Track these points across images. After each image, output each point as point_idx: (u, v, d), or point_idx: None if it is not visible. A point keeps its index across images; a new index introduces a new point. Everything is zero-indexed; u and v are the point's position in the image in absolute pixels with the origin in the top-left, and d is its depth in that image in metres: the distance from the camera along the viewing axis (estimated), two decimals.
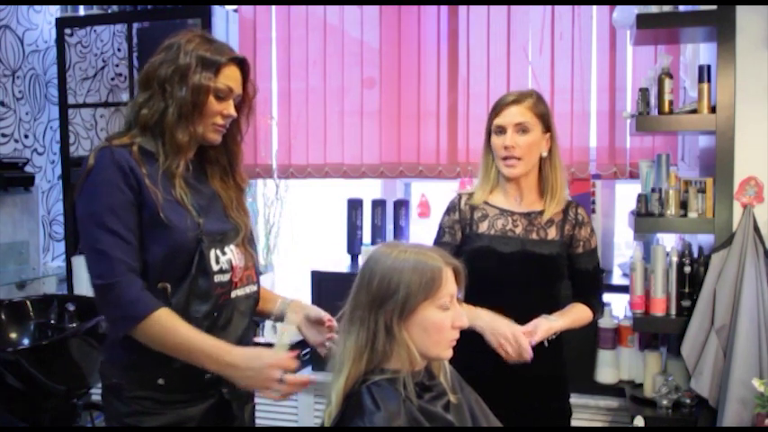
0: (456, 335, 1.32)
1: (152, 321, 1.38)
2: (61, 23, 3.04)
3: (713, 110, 2.16)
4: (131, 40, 3.08)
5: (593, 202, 2.75)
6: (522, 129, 1.78)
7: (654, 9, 2.17)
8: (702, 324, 2.13)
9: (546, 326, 1.74)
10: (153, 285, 1.43)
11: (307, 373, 2.77)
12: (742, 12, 2.13)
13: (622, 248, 3.03)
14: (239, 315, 1.54)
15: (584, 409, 2.47)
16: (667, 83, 2.19)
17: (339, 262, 3.06)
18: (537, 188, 1.87)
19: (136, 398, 1.47)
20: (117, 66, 3.38)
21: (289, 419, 2.85)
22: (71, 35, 3.14)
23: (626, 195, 2.75)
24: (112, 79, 3.36)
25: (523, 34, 2.85)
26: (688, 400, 2.22)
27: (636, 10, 2.19)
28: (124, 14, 3.08)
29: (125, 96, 3.21)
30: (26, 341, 2.53)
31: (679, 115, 2.20)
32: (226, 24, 3.13)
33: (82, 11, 3.13)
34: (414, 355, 1.28)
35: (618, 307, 2.57)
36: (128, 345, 1.47)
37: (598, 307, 1.94)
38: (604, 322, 2.50)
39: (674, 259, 2.21)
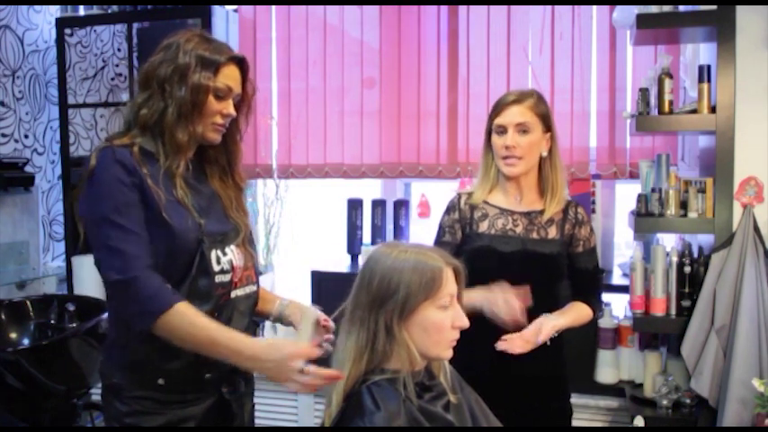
0: (456, 335, 1.32)
1: (172, 315, 1.38)
2: (61, 23, 3.04)
3: (713, 110, 2.16)
4: (131, 40, 3.07)
5: (593, 202, 2.75)
6: (523, 129, 1.78)
7: (654, 9, 2.17)
8: (702, 324, 2.13)
9: (550, 324, 1.74)
10: None
11: None
12: (742, 12, 2.13)
13: (622, 248, 3.03)
14: (239, 315, 1.54)
15: (584, 409, 2.47)
16: (667, 83, 2.19)
17: (339, 262, 3.06)
18: (537, 187, 1.87)
19: (136, 398, 1.47)
20: (117, 66, 3.37)
21: (289, 419, 2.85)
22: (71, 35, 3.14)
23: (626, 195, 2.75)
24: (112, 79, 3.36)
25: (523, 34, 2.85)
26: (688, 400, 2.22)
27: (636, 10, 2.19)
28: (124, 14, 3.08)
29: (125, 96, 3.21)
30: (26, 341, 2.53)
31: (679, 115, 2.20)
32: (226, 24, 3.13)
33: (82, 11, 3.13)
34: (414, 355, 1.28)
35: (618, 307, 2.57)
36: (128, 345, 1.47)
37: (598, 306, 1.95)
38: (604, 322, 2.50)
39: (674, 259, 2.21)
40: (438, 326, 1.29)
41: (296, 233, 3.22)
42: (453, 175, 2.95)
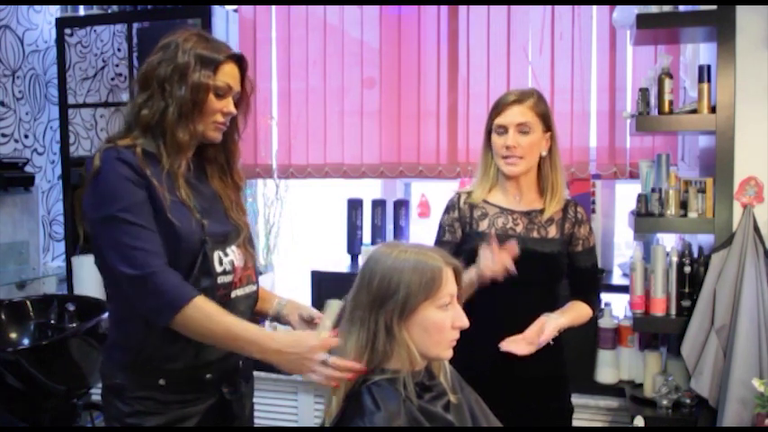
0: (456, 335, 1.32)
1: (191, 310, 1.38)
2: (61, 23, 3.04)
3: (713, 110, 2.16)
4: (131, 40, 3.07)
5: (593, 202, 2.75)
6: (523, 129, 1.78)
7: (654, 9, 2.17)
8: (702, 324, 2.13)
9: (553, 324, 1.74)
10: None
11: None
12: (742, 12, 2.13)
13: (622, 248, 3.03)
14: (239, 315, 1.53)
15: (584, 409, 2.47)
16: (667, 83, 2.19)
17: (339, 262, 3.06)
18: (536, 187, 1.87)
19: (137, 398, 1.47)
20: (117, 66, 3.38)
21: (289, 419, 2.85)
22: (71, 35, 3.14)
23: (626, 195, 2.75)
24: (112, 79, 3.36)
25: (523, 34, 2.85)
26: (688, 400, 2.22)
27: (636, 10, 2.19)
28: (124, 14, 3.08)
29: (125, 96, 3.21)
30: (26, 341, 2.53)
31: (679, 115, 2.20)
32: (226, 24, 3.13)
33: (82, 11, 3.13)
34: (414, 355, 1.28)
35: (618, 307, 2.57)
36: (129, 345, 1.47)
37: (597, 305, 1.95)
38: (604, 322, 2.51)
39: (674, 259, 2.21)
40: (438, 326, 1.29)
41: (296, 233, 3.22)
42: (453, 175, 2.95)
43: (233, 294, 1.53)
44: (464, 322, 1.32)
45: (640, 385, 2.41)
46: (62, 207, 3.12)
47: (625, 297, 2.41)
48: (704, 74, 2.16)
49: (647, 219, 2.21)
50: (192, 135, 1.48)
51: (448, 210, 1.90)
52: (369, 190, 3.22)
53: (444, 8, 2.94)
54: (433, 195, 3.20)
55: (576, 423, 2.01)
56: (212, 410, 1.53)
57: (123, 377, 1.48)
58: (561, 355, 1.88)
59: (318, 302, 1.71)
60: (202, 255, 1.46)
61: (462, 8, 2.91)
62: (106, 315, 2.28)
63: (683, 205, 2.19)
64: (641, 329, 2.36)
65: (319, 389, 2.77)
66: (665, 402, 2.22)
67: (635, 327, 2.32)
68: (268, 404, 2.84)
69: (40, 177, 3.02)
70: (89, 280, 2.93)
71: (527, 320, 1.74)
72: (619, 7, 2.46)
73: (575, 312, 1.85)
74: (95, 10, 3.10)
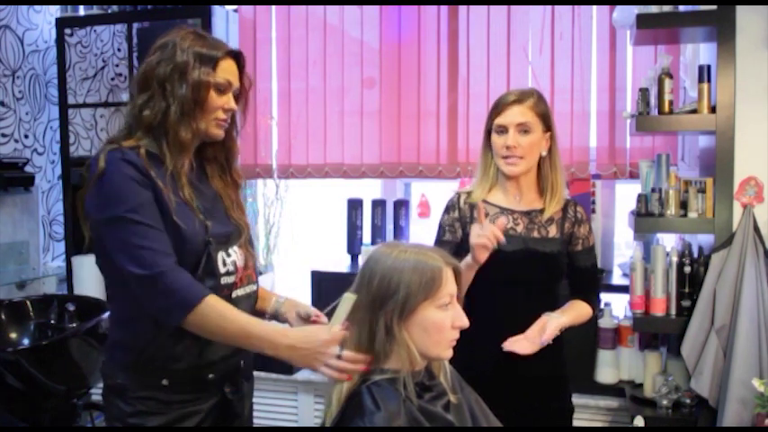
0: (456, 335, 1.32)
1: (203, 308, 1.38)
2: (61, 23, 3.04)
3: (713, 110, 2.16)
4: (131, 40, 3.07)
5: (593, 202, 2.75)
6: (524, 128, 1.78)
7: (654, 9, 2.17)
8: (702, 324, 2.13)
9: (554, 323, 1.74)
10: None
11: (306, 373, 2.78)
12: (742, 12, 2.13)
13: (622, 248, 3.03)
14: None
15: (584, 409, 2.47)
16: (667, 83, 2.19)
17: (339, 262, 3.06)
18: (536, 187, 1.87)
19: (139, 398, 1.47)
20: (117, 66, 3.38)
21: (289, 419, 2.85)
22: (71, 35, 3.14)
23: (626, 195, 2.75)
24: (112, 79, 3.36)
25: (523, 34, 2.85)
26: (688, 400, 2.22)
27: (636, 10, 2.19)
28: (124, 14, 3.08)
29: (125, 96, 3.21)
30: (26, 341, 2.53)
31: (679, 115, 2.20)
32: (226, 24, 3.13)
33: (82, 11, 3.13)
34: (414, 355, 1.28)
35: (618, 307, 2.57)
36: (132, 345, 1.47)
37: (597, 304, 1.95)
38: (604, 322, 2.50)
39: (674, 259, 2.21)
40: (438, 326, 1.29)
41: (296, 233, 3.22)
42: (453, 175, 2.95)
43: (234, 294, 1.53)
44: (464, 322, 1.32)
45: (640, 385, 2.41)
46: (62, 207, 3.12)
47: (625, 297, 2.41)
48: (704, 74, 2.16)
49: (647, 219, 2.21)
50: (195, 133, 1.48)
51: (448, 209, 1.90)
52: (369, 190, 3.22)
53: (444, 8, 2.94)
54: (433, 195, 3.20)
55: (576, 423, 2.01)
56: (214, 410, 1.54)
57: (125, 377, 1.48)
58: (561, 354, 1.87)
59: (318, 302, 1.72)
60: (206, 256, 1.46)
61: (462, 8, 2.91)
62: (106, 315, 2.30)
63: (683, 205, 2.19)
64: (641, 329, 2.36)
65: (319, 389, 2.77)
66: (665, 402, 2.22)
67: (635, 327, 2.32)
68: (268, 404, 2.84)
69: (40, 177, 3.02)
70: (89, 280, 2.94)
71: (527, 320, 1.74)
72: (619, 7, 2.46)
73: (575, 312, 1.85)
74: (95, 10, 3.11)
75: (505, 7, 2.85)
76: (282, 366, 2.72)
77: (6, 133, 2.88)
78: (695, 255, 2.27)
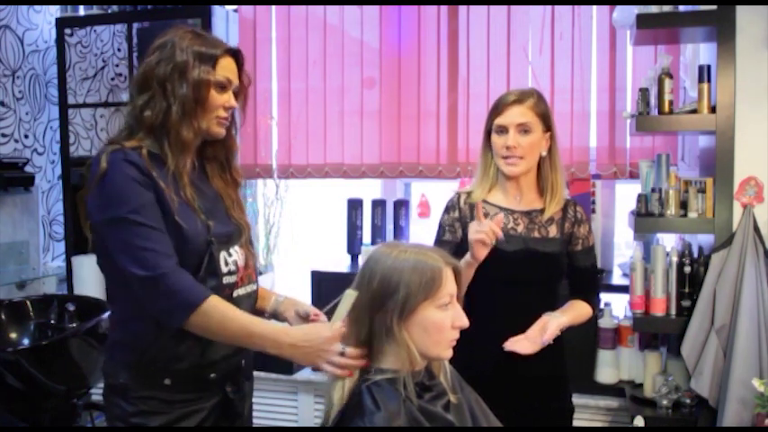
0: (456, 335, 1.32)
1: (205, 309, 1.38)
2: (61, 23, 3.04)
3: (713, 110, 2.16)
4: (131, 40, 3.08)
5: (593, 202, 2.75)
6: (524, 129, 1.78)
7: (654, 9, 2.17)
8: (702, 324, 2.13)
9: (555, 323, 1.74)
10: None
11: (306, 373, 2.78)
12: (742, 12, 2.13)
13: (622, 248, 3.03)
14: None
15: (584, 409, 2.47)
16: (667, 83, 2.19)
17: (339, 262, 3.06)
18: (536, 187, 1.87)
19: (141, 398, 1.47)
20: (117, 66, 3.38)
21: (289, 419, 2.85)
22: (71, 35, 3.14)
23: (626, 195, 2.74)
24: (112, 79, 3.36)
25: (523, 34, 2.85)
26: (688, 400, 2.22)
27: (636, 10, 2.19)
28: (124, 14, 3.08)
29: (125, 96, 3.22)
30: (26, 341, 2.53)
31: (679, 115, 2.20)
32: (226, 24, 3.13)
33: (82, 11, 3.13)
34: (414, 355, 1.28)
35: (618, 307, 2.57)
36: (134, 345, 1.48)
37: (596, 304, 1.96)
38: (604, 322, 2.50)
39: (674, 259, 2.21)
40: (438, 325, 1.29)
41: (296, 233, 3.22)
42: (453, 175, 2.95)
43: (235, 294, 1.53)
44: (464, 322, 1.32)
45: (640, 385, 2.41)
46: (62, 207, 3.12)
47: (625, 297, 2.41)
48: (704, 74, 2.16)
49: (647, 219, 2.21)
50: (197, 132, 1.49)
51: (448, 209, 1.90)
52: (369, 190, 3.22)
53: (444, 8, 2.94)
54: (433, 195, 3.20)
55: (576, 423, 2.01)
56: (216, 409, 1.54)
57: (127, 377, 1.48)
58: (561, 354, 1.87)
59: (318, 302, 1.72)
60: (209, 255, 1.47)
61: (462, 8, 2.91)
62: (106, 315, 2.30)
63: (683, 205, 2.19)
64: (641, 329, 2.36)
65: (319, 389, 2.77)
66: (665, 402, 2.22)
67: (635, 327, 2.32)
68: (268, 404, 2.84)
69: (40, 177, 3.02)
70: (89, 280, 2.94)
71: (527, 320, 1.74)
72: (619, 7, 2.46)
73: (575, 311, 1.85)
74: (95, 10, 3.11)
75: (505, 7, 2.85)
76: (282, 366, 2.72)
77: (6, 133, 2.88)
78: (695, 255, 2.27)
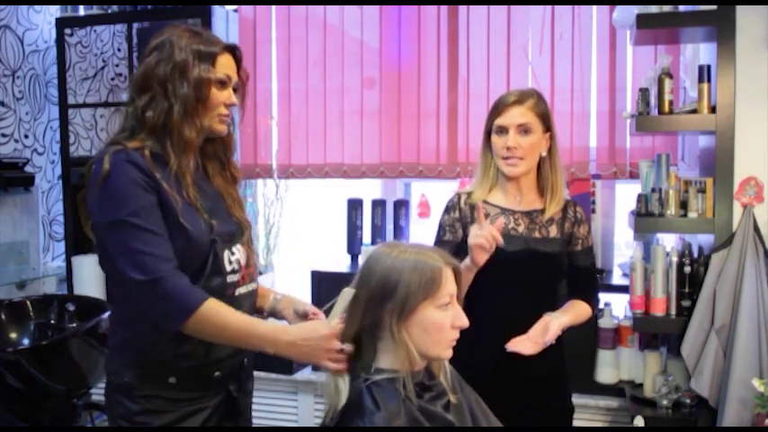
0: (456, 335, 1.32)
1: (203, 312, 1.39)
2: (61, 23, 3.04)
3: (713, 110, 2.16)
4: (131, 40, 3.08)
5: (593, 202, 2.75)
6: (524, 129, 1.78)
7: (654, 9, 2.17)
8: (702, 324, 2.13)
9: (556, 323, 1.74)
10: None
11: (306, 373, 2.78)
12: (742, 12, 2.13)
13: (622, 248, 3.03)
14: (244, 312, 1.55)
15: (585, 409, 2.47)
16: (667, 83, 2.19)
17: (339, 262, 3.06)
18: (536, 187, 1.87)
19: (146, 396, 1.47)
20: (117, 66, 3.38)
21: (289, 419, 2.85)
22: (71, 35, 3.14)
23: (626, 195, 2.74)
24: (112, 79, 3.36)
25: (523, 34, 2.85)
26: (688, 400, 2.22)
27: (636, 10, 2.19)
28: (124, 14, 3.08)
29: (125, 96, 3.20)
30: (26, 341, 2.53)
31: (679, 115, 2.20)
32: (226, 24, 3.13)
33: (82, 11, 3.13)
34: (413, 355, 1.27)
35: (618, 307, 2.57)
36: (140, 344, 1.48)
37: (596, 304, 1.96)
38: (604, 322, 2.50)
39: (674, 259, 2.21)
40: (438, 325, 1.29)
41: (296, 233, 3.22)
42: (453, 175, 2.95)
43: (237, 292, 1.54)
44: (464, 322, 1.32)
45: (640, 385, 2.41)
46: (62, 207, 3.12)
47: (625, 297, 2.40)
48: (704, 74, 2.16)
49: (647, 219, 2.21)
50: (199, 131, 1.49)
51: (449, 210, 1.90)
52: (369, 190, 3.22)
53: (444, 8, 2.94)
54: (433, 195, 3.19)
55: (576, 423, 2.01)
56: (220, 407, 1.55)
57: (132, 376, 1.48)
58: (561, 354, 1.88)
59: (318, 302, 1.72)
60: (213, 255, 1.47)
61: (462, 8, 2.91)
62: (106, 315, 2.30)
63: (683, 205, 2.19)
64: (641, 329, 2.36)
65: (319, 389, 2.77)
66: (665, 402, 2.22)
67: (635, 327, 2.32)
68: (268, 404, 2.84)
69: (40, 177, 3.02)
70: (89, 280, 2.94)
71: (528, 320, 1.74)
72: (619, 7, 2.46)
73: (575, 311, 1.85)
74: (95, 10, 3.11)
75: (505, 7, 2.85)
76: (282, 366, 2.72)
77: (6, 133, 2.88)
78: (695, 255, 2.27)
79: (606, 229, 2.81)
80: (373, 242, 3.03)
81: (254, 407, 1.74)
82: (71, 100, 3.11)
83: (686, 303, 2.20)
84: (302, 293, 2.82)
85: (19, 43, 2.95)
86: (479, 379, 1.51)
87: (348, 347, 1.33)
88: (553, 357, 1.81)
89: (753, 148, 2.16)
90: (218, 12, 3.07)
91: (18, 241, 2.87)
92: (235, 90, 1.55)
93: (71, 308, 2.53)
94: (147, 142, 1.46)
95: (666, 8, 2.16)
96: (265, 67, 3.17)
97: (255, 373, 1.73)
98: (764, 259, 2.09)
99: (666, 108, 2.20)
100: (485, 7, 2.87)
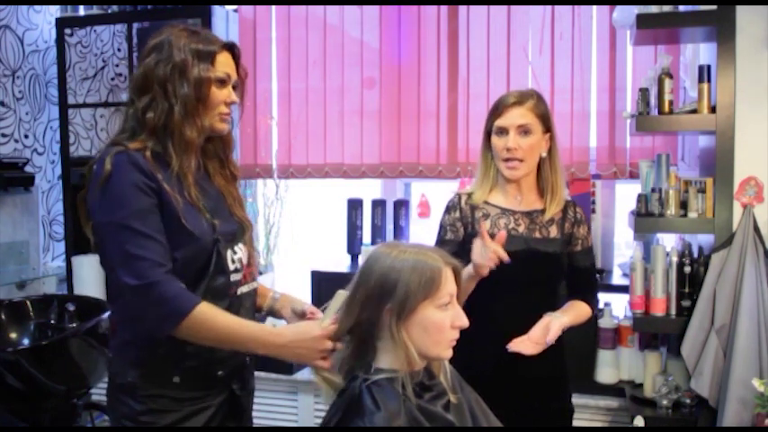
0: (456, 335, 1.32)
1: (195, 316, 1.39)
2: (61, 23, 3.04)
3: (713, 110, 2.16)
4: (131, 40, 3.08)
5: (593, 202, 2.75)
6: (524, 130, 1.78)
7: (654, 9, 2.17)
8: (702, 324, 2.13)
9: (557, 323, 1.74)
10: None
11: (306, 373, 2.78)
12: (742, 12, 2.13)
13: (622, 248, 3.03)
14: (245, 311, 1.56)
15: (584, 409, 2.47)
16: (667, 83, 2.19)
17: (339, 262, 3.06)
18: (536, 188, 1.88)
19: (151, 396, 1.48)
20: (117, 66, 3.38)
21: (289, 419, 2.85)
22: (71, 35, 3.14)
23: (626, 195, 2.74)
24: (112, 79, 3.36)
25: (523, 34, 2.85)
26: (688, 400, 2.22)
27: (636, 10, 2.19)
28: (124, 14, 3.08)
29: (125, 96, 3.20)
30: (26, 341, 2.53)
31: (679, 115, 2.20)
32: (226, 24, 3.13)
33: (82, 11, 3.13)
34: (413, 355, 1.27)
35: (618, 307, 2.57)
36: (144, 344, 1.48)
37: (595, 304, 1.96)
38: (604, 322, 2.50)
39: (674, 259, 2.21)
40: (438, 325, 1.29)
41: (296, 233, 3.22)
42: (453, 175, 2.95)
43: (239, 291, 1.54)
44: (464, 322, 1.32)
45: (640, 385, 2.41)
46: (62, 207, 3.12)
47: (625, 297, 2.40)
48: (704, 74, 2.16)
49: (647, 219, 2.21)
50: (200, 131, 1.49)
51: (449, 210, 1.90)
52: (369, 190, 3.22)
53: (444, 8, 2.94)
54: (433, 195, 3.20)
55: (576, 423, 2.01)
56: (223, 405, 1.55)
57: (136, 375, 1.48)
58: (562, 354, 1.88)
59: (318, 302, 1.72)
60: (216, 254, 1.47)
61: (462, 8, 2.91)
62: (106, 315, 2.30)
63: (683, 205, 2.19)
64: (641, 329, 2.36)
65: (320, 389, 2.77)
66: (665, 402, 2.22)
67: (635, 327, 2.32)
68: (268, 404, 2.84)
69: (40, 177, 3.02)
70: (89, 280, 2.93)
71: (528, 320, 1.74)
72: (619, 7, 2.46)
73: (575, 311, 1.85)
74: (95, 10, 3.11)
75: (505, 7, 2.85)
76: (282, 366, 2.72)
77: (6, 133, 2.88)
78: (695, 255, 2.27)
79: (606, 229, 2.81)
80: (373, 242, 3.03)
81: (254, 407, 1.74)
82: (71, 100, 3.11)
83: (686, 303, 2.20)
84: (302, 293, 2.82)
85: (19, 43, 2.95)
86: (479, 379, 1.51)
87: (339, 346, 1.34)
88: (553, 357, 1.81)
89: (753, 148, 2.16)
90: (218, 12, 3.07)
91: (18, 241, 2.87)
92: (234, 88, 1.55)
93: (71, 308, 2.53)
94: (148, 143, 1.46)
95: (666, 8, 2.16)
96: (265, 67, 3.17)
97: (256, 373, 1.73)
98: (764, 259, 2.09)
99: (666, 108, 2.20)
100: (485, 7, 2.87)
